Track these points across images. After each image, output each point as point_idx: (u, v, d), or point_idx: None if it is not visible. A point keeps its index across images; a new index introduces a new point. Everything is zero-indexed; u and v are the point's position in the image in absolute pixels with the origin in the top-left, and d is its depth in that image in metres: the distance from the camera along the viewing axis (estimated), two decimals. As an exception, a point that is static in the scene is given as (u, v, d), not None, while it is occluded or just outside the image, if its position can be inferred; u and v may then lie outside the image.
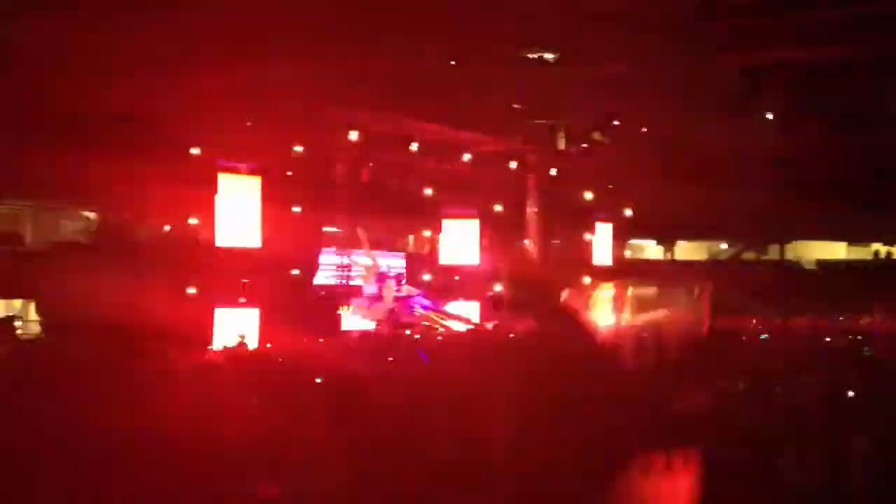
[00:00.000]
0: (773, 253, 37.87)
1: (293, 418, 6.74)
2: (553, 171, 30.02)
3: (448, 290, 26.90)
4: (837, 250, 37.25)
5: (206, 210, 20.53)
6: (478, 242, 27.84)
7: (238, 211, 20.41)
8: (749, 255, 38.19)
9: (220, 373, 10.37)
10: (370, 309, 23.96)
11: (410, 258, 28.36)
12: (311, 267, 23.55)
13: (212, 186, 20.00)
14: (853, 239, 37.09)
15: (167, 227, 25.63)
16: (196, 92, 19.65)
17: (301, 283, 22.39)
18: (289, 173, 22.86)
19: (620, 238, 34.55)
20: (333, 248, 24.97)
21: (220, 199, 20.04)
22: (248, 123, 21.10)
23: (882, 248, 36.29)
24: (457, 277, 27.43)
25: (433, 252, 28.44)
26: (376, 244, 27.10)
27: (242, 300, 19.67)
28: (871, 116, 32.75)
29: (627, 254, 37.55)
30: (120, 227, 25.47)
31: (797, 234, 36.40)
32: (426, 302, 25.24)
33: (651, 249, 39.24)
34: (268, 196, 20.90)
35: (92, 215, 25.95)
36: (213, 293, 19.78)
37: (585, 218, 31.58)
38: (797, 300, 29.96)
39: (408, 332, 21.33)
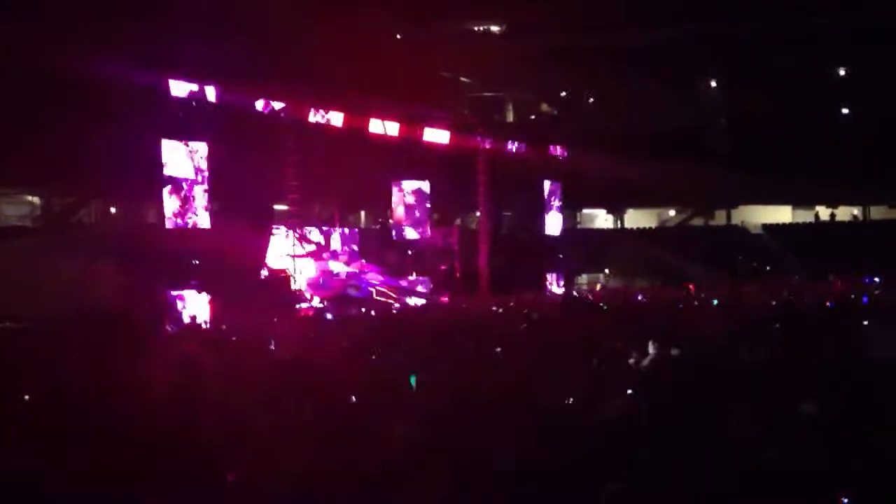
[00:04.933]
0: (719, 218, 38.56)
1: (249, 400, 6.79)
2: (504, 144, 29.94)
3: (402, 264, 26.94)
4: (783, 214, 37.99)
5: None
6: (428, 211, 27.88)
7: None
8: (697, 221, 38.83)
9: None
10: (323, 286, 23.95)
11: (363, 234, 28.35)
12: (263, 245, 23.38)
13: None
14: (797, 203, 37.85)
15: (113, 210, 25.33)
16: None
17: (253, 262, 22.23)
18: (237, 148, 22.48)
19: (571, 209, 34.95)
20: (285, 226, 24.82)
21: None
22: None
23: (823, 211, 37.15)
24: (410, 252, 27.46)
25: (386, 227, 28.41)
26: (328, 220, 27.06)
27: (194, 281, 19.53)
28: (811, 84, 33.45)
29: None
30: (65, 212, 25.11)
31: (743, 200, 37.05)
32: (379, 277, 25.28)
33: (601, 218, 39.69)
34: (215, 172, 20.72)
35: (36, 200, 25.52)
36: (165, 274, 19.58)
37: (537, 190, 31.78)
38: (744, 264, 30.69)
39: (363, 308, 21.38)
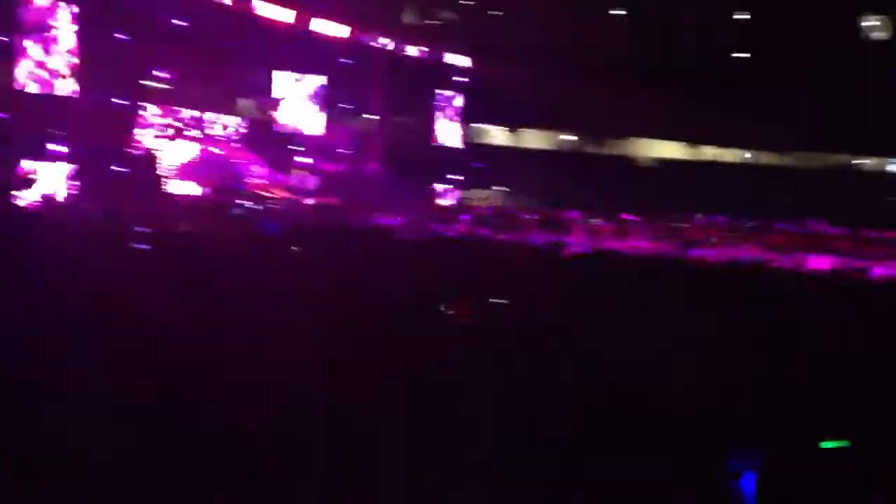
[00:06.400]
0: (612, 148, 38.10)
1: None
2: (403, 46, 28.57)
3: (286, 160, 25.22)
4: (673, 150, 37.84)
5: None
6: (318, 108, 26.37)
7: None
8: (590, 149, 38.26)
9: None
10: (198, 173, 22.11)
11: (250, 123, 26.20)
12: (131, 123, 21.26)
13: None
14: (689, 139, 37.76)
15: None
16: None
17: (119, 138, 20.12)
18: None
19: (466, 122, 33.80)
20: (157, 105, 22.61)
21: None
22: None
23: (709, 151, 37.27)
24: (295, 148, 25.71)
25: (271, 119, 26.44)
26: (208, 105, 24.87)
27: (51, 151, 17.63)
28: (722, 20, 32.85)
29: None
30: None
31: (637, 131, 36.67)
32: (262, 170, 23.67)
33: (495, 135, 38.58)
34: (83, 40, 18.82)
35: None
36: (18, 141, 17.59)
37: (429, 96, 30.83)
38: (632, 197, 30.31)
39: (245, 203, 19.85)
